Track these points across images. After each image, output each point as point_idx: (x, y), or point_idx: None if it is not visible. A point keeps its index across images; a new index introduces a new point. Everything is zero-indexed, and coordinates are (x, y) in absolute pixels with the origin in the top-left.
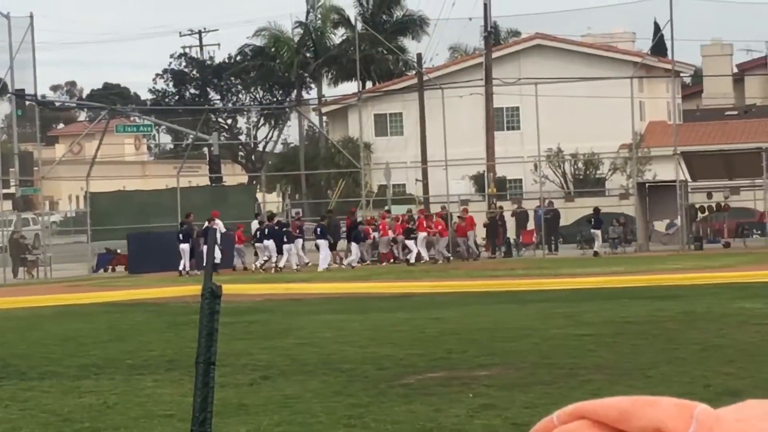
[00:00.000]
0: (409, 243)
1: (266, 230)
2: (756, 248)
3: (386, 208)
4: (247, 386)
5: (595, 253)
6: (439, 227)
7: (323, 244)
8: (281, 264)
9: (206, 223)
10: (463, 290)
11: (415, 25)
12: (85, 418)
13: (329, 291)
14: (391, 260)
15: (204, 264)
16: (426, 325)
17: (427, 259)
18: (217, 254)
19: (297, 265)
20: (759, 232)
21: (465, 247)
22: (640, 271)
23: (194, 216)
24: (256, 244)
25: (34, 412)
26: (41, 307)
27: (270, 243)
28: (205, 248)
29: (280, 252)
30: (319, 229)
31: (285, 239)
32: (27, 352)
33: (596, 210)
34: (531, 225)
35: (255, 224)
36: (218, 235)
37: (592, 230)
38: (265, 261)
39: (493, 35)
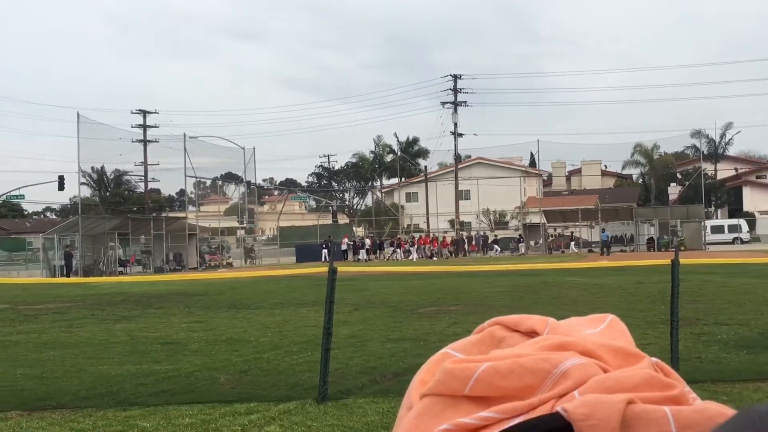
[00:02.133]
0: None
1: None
2: (575, 254)
3: (411, 234)
4: (347, 312)
5: (522, 254)
6: (436, 243)
7: (399, 250)
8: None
9: (344, 239)
10: (446, 270)
11: (424, 152)
12: (276, 326)
13: (389, 271)
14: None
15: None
16: (428, 286)
17: (435, 258)
18: (363, 255)
19: (387, 258)
20: (577, 248)
21: (445, 253)
22: (524, 264)
23: (325, 237)
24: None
25: (252, 323)
26: (256, 276)
27: (388, 249)
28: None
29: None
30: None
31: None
32: (250, 297)
33: (520, 236)
34: (474, 242)
35: (368, 241)
36: (346, 245)
37: (520, 244)
38: (389, 256)
39: (458, 158)
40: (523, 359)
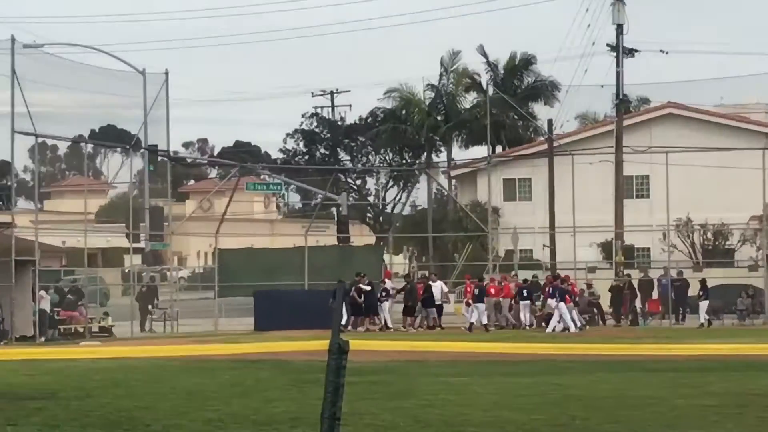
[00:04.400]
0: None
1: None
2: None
3: (513, 273)
4: None
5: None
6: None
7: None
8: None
9: (385, 280)
10: (599, 353)
11: (546, 90)
12: None
13: (460, 351)
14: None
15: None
16: (549, 391)
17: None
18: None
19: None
20: None
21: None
22: None
23: (322, 276)
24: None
25: None
26: (167, 358)
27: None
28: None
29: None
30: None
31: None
32: (152, 404)
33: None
34: (655, 294)
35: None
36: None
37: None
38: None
39: (624, 103)
40: None
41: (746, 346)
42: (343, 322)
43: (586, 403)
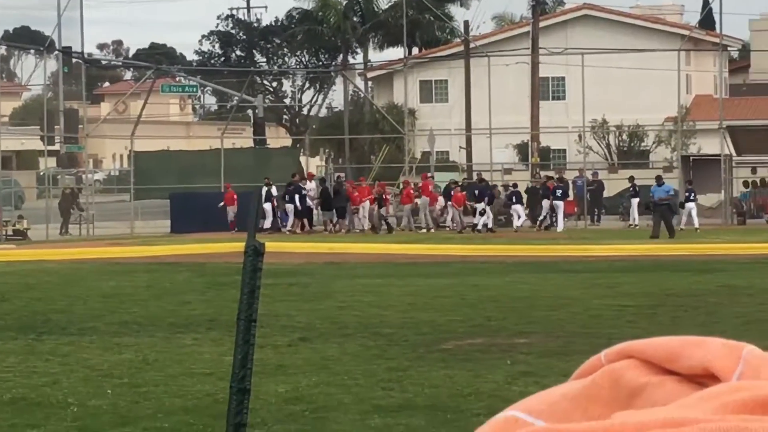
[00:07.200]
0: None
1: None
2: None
3: (429, 174)
4: (286, 347)
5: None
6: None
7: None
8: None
9: (307, 181)
10: (506, 254)
11: None
12: (125, 374)
13: (376, 252)
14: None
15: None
16: (466, 292)
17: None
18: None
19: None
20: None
21: (450, 221)
22: (681, 244)
23: (239, 178)
24: None
25: (74, 367)
26: (83, 260)
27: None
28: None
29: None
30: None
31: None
32: (68, 307)
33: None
34: (571, 195)
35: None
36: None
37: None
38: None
39: (540, 4)
40: None
41: (658, 246)
42: (268, 225)
43: (502, 304)
